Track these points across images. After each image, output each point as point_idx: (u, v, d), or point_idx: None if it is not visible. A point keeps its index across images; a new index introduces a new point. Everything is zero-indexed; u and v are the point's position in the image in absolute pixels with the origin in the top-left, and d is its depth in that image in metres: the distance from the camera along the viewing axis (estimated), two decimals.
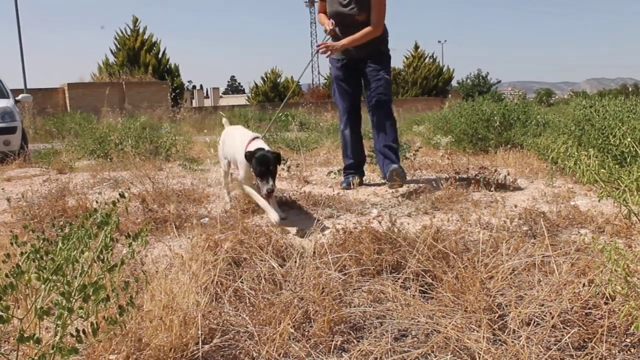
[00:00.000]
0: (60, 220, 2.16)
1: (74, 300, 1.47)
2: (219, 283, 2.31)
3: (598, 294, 1.92)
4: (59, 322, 1.45)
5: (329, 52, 4.61)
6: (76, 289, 1.49)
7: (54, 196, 4.47)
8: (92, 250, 1.59)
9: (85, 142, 8.38)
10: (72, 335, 1.48)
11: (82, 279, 1.52)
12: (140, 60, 33.19)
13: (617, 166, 2.03)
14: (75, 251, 1.57)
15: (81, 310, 1.49)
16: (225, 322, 2.04)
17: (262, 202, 3.61)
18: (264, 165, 3.40)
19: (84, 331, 1.50)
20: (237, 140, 3.85)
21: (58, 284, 1.49)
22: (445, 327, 1.87)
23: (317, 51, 4.64)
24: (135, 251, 1.64)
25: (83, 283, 1.48)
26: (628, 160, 3.93)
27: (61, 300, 1.45)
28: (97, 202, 3.54)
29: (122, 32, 34.37)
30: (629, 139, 1.87)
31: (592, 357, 1.72)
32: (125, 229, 3.34)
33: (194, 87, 66.82)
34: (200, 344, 1.86)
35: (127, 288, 1.59)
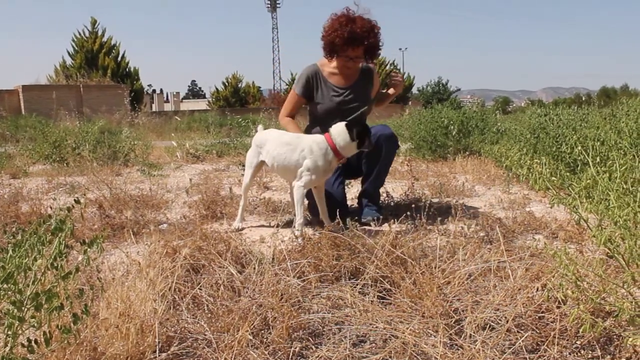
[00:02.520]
0: (12, 227, 2.10)
1: (25, 309, 1.44)
2: (177, 290, 2.29)
3: (550, 298, 1.97)
4: (9, 332, 1.41)
5: None
6: (28, 297, 1.46)
7: (6, 202, 4.35)
8: (46, 258, 1.55)
9: (41, 146, 8.18)
10: (23, 345, 1.45)
11: (35, 287, 1.48)
12: (98, 63, 32.59)
13: (569, 173, 2.10)
14: (27, 259, 1.53)
15: (33, 320, 1.45)
16: (183, 329, 2.02)
17: (323, 207, 3.55)
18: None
19: (36, 341, 1.47)
20: (306, 138, 3.54)
21: (9, 292, 1.45)
22: (403, 333, 1.89)
23: None
24: (90, 258, 1.61)
25: (35, 291, 1.44)
26: (579, 167, 4.07)
27: (12, 309, 1.42)
28: (51, 208, 3.46)
29: (80, 34, 33.69)
30: (579, 147, 1.93)
31: (545, 359, 1.76)
32: (82, 236, 3.27)
33: (154, 91, 66.06)
34: (157, 352, 1.84)
35: (81, 296, 1.56)
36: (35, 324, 1.45)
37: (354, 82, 3.90)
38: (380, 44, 3.80)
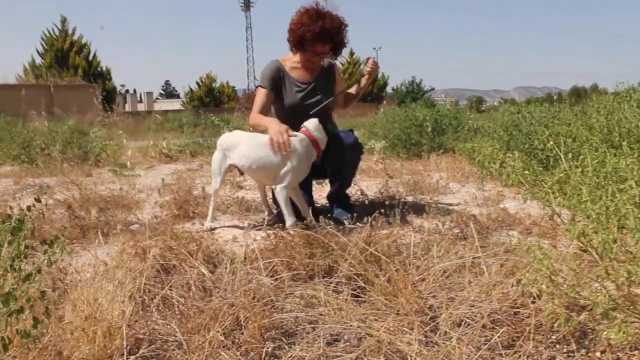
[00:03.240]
0: None
1: None
2: (146, 291, 2.23)
3: (525, 293, 1.96)
4: None
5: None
6: None
7: None
8: (4, 259, 1.49)
9: (8, 147, 8.00)
10: None
11: None
12: (69, 62, 32.06)
13: (542, 169, 2.09)
14: None
15: None
16: (152, 331, 1.96)
17: (303, 204, 3.51)
18: None
19: None
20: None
21: None
22: (378, 331, 1.86)
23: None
24: (51, 259, 1.55)
25: None
26: (551, 164, 4.09)
27: None
28: (11, 208, 3.35)
29: (49, 33, 33.09)
30: (551, 142, 1.92)
31: (521, 355, 1.75)
32: (49, 238, 3.18)
33: (127, 91, 65.31)
34: (125, 355, 1.78)
35: (43, 298, 1.50)
36: None
37: (316, 77, 3.84)
38: (346, 41, 3.77)
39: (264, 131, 3.56)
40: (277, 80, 3.78)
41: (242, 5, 72.62)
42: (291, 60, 3.85)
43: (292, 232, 2.83)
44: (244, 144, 3.50)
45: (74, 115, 15.93)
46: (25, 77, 30.37)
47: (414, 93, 45.76)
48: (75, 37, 33.20)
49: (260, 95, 3.78)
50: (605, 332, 1.58)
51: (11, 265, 1.47)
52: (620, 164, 1.81)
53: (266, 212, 3.89)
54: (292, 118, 3.58)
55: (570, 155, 2.11)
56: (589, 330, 1.86)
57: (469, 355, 1.74)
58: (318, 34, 3.58)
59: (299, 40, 3.67)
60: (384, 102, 37.16)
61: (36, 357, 1.63)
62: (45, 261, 1.55)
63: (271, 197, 3.83)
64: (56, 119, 13.85)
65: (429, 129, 7.74)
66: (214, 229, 3.61)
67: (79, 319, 1.80)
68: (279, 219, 3.55)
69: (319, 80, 3.85)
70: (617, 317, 1.61)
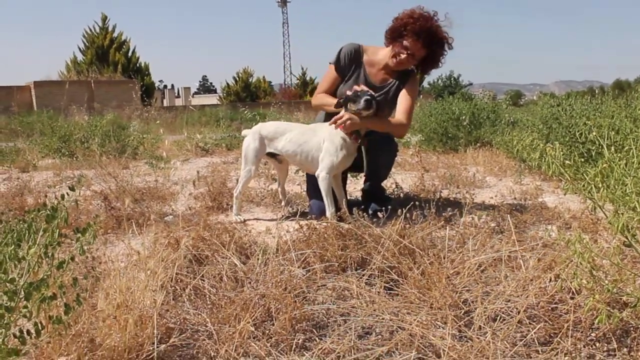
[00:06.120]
0: (6, 216, 2.06)
1: (17, 300, 1.39)
2: (178, 281, 2.24)
3: (564, 288, 1.89)
4: (0, 323, 1.36)
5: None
6: (22, 287, 1.41)
7: (12, 194, 4.32)
8: (40, 246, 1.50)
9: (50, 140, 8.17)
10: (14, 336, 1.40)
11: (27, 276, 1.43)
12: (109, 58, 32.74)
13: (583, 162, 2.01)
14: (20, 248, 1.48)
15: (25, 310, 1.40)
16: (183, 320, 1.96)
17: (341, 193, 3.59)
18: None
19: (28, 332, 1.42)
20: (321, 127, 3.56)
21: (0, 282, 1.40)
22: (410, 324, 1.82)
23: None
24: (84, 247, 1.55)
25: (26, 281, 1.39)
26: (593, 156, 3.97)
27: (3, 299, 1.37)
28: (47, 196, 3.41)
29: (90, 30, 33.84)
30: (594, 133, 1.85)
31: (558, 352, 1.69)
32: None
33: (165, 86, 66.21)
34: (156, 343, 1.78)
35: (75, 285, 1.50)
36: (27, 315, 1.40)
37: (388, 82, 3.69)
38: (442, 60, 3.63)
39: (327, 111, 3.62)
40: (351, 59, 3.68)
41: (279, 1, 72.83)
42: (374, 54, 3.72)
43: (328, 221, 2.77)
44: (292, 131, 3.57)
45: (113, 109, 16.23)
46: (67, 74, 31.10)
47: (451, 87, 45.17)
48: (115, 34, 33.82)
49: (329, 76, 3.73)
50: None
51: (45, 252, 1.48)
52: None
53: (283, 203, 3.94)
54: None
55: (613, 148, 2.03)
56: (632, 329, 1.79)
57: (503, 351, 1.69)
58: (419, 30, 3.44)
59: (398, 28, 3.52)
60: (421, 96, 36.84)
61: (69, 343, 1.65)
62: (78, 249, 1.56)
63: (305, 189, 3.81)
64: (96, 113, 14.12)
65: (466, 123, 7.61)
66: (245, 220, 3.61)
67: (111, 307, 1.81)
68: (316, 211, 3.54)
69: (388, 86, 3.68)
70: None
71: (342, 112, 3.36)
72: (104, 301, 1.88)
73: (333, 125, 3.37)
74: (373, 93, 3.40)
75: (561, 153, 1.74)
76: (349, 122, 3.31)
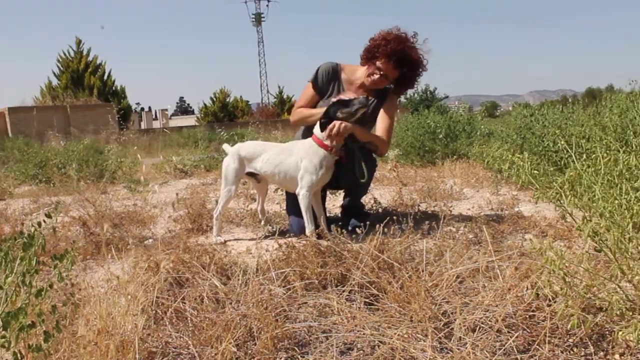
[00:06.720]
0: None
1: None
2: (160, 304, 2.23)
3: (540, 296, 1.93)
4: None
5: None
6: None
7: None
8: (16, 275, 1.50)
9: (26, 167, 8.10)
10: None
11: (5, 305, 1.43)
12: (84, 82, 32.52)
13: (554, 170, 2.07)
14: None
15: (3, 339, 1.40)
16: (165, 344, 1.96)
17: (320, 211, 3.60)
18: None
19: None
20: (297, 144, 3.62)
21: None
22: (391, 338, 1.84)
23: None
24: (62, 274, 1.55)
25: (4, 310, 1.39)
26: (565, 164, 4.05)
27: None
28: (23, 224, 3.38)
29: (65, 54, 33.62)
30: (562, 142, 1.90)
31: (537, 358, 1.72)
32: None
33: (142, 109, 65.92)
34: None
35: (54, 313, 1.50)
36: (5, 344, 1.39)
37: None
38: (417, 82, 3.69)
39: (309, 123, 3.64)
40: (330, 78, 3.74)
41: (254, 20, 73.17)
42: (352, 72, 3.76)
43: (306, 239, 2.79)
44: (268, 151, 3.60)
45: (90, 134, 16.11)
46: (43, 99, 30.81)
47: (427, 101, 45.57)
48: (90, 58, 33.66)
49: (307, 93, 3.79)
50: (621, 333, 1.54)
51: (22, 280, 1.47)
52: (632, 162, 1.78)
53: (262, 222, 3.95)
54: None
55: (584, 156, 2.08)
56: (607, 332, 1.83)
57: None
58: (391, 53, 3.50)
59: (372, 49, 3.59)
60: (397, 110, 37.12)
61: None
62: (56, 276, 1.55)
63: (285, 207, 3.83)
64: (73, 138, 14.01)
65: (442, 136, 7.70)
66: (226, 241, 3.60)
67: (91, 333, 1.80)
68: (296, 228, 3.57)
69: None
70: (634, 317, 1.57)
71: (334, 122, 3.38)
72: (85, 327, 1.87)
73: (309, 143, 3.41)
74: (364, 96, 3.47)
75: (529, 163, 1.78)
76: (343, 127, 3.33)
